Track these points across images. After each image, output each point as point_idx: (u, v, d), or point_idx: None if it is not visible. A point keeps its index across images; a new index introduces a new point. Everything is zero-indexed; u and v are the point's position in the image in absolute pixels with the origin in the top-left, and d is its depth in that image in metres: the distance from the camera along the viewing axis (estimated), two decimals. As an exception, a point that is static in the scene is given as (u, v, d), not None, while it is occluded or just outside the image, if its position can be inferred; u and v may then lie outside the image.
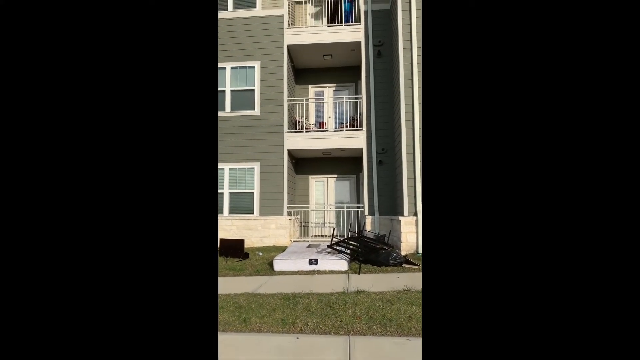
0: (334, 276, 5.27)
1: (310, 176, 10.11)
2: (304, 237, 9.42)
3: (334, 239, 6.51)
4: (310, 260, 5.69)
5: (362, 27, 8.62)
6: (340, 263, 5.66)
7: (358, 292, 4.26)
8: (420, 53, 6.96)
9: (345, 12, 9.30)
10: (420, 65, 6.93)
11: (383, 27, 8.55)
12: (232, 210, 8.52)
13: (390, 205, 8.22)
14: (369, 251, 5.89)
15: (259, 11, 8.81)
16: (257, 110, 8.64)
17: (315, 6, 10.32)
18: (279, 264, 5.76)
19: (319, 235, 9.62)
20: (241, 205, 8.51)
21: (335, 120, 10.05)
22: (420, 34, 6.98)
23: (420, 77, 6.91)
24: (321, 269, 5.63)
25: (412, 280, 4.87)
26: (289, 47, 8.84)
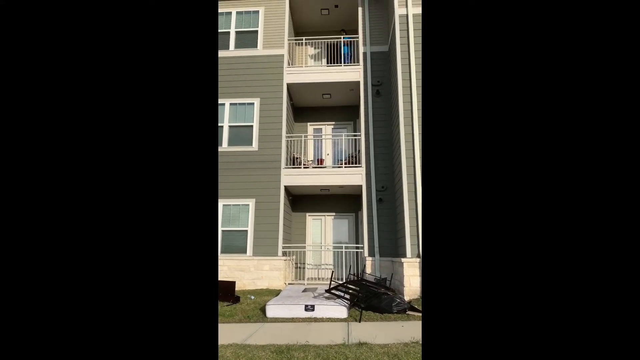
0: (332, 324, 4.77)
1: (308, 214, 9.76)
2: (300, 279, 8.87)
3: (332, 282, 6.05)
4: (306, 306, 5.20)
5: (360, 67, 8.77)
6: (339, 309, 5.17)
7: (360, 344, 3.78)
8: (420, 92, 6.97)
9: (344, 54, 9.53)
10: (420, 103, 6.91)
11: (382, 67, 8.70)
12: (224, 250, 8.07)
13: (391, 246, 7.82)
14: (370, 297, 5.42)
15: (259, 51, 8.99)
16: (254, 145, 8.51)
17: (315, 48, 10.61)
18: (272, 310, 5.26)
19: (315, 278, 9.08)
20: (234, 244, 8.07)
21: (334, 158, 9.92)
22: (420, 74, 7.04)
23: (420, 116, 6.86)
24: (318, 316, 5.13)
25: (418, 330, 4.40)
26: (288, 85, 8.92)
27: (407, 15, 7.32)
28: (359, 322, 4.87)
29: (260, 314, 5.39)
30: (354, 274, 6.98)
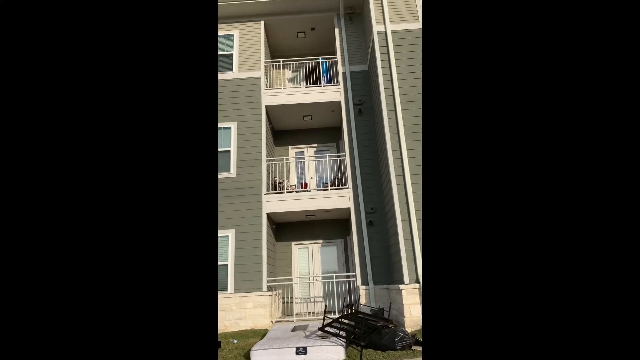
0: (329, 370, 4.08)
1: (293, 243, 9.10)
2: (288, 315, 8.07)
3: (326, 317, 5.36)
4: (297, 349, 4.50)
5: (341, 87, 8.54)
6: (335, 350, 4.49)
7: (366, 395, 3.13)
8: (404, 108, 6.72)
9: (322, 75, 9.32)
10: (404, 120, 6.63)
11: (362, 86, 8.50)
12: (202, 288, 7.23)
13: (386, 272, 7.24)
14: (369, 332, 4.77)
15: (235, 74, 8.65)
16: (232, 171, 7.93)
17: (293, 71, 10.41)
18: (258, 357, 4.52)
19: (304, 313, 8.30)
20: (213, 280, 7.26)
21: (318, 181, 9.44)
22: (403, 89, 6.82)
23: (405, 132, 6.56)
24: (312, 360, 4.43)
25: (430, 370, 3.78)
26: (267, 107, 8.54)
27: (385, 32, 7.20)
28: (360, 364, 4.20)
29: (244, 362, 4.63)
30: (347, 306, 6.32)
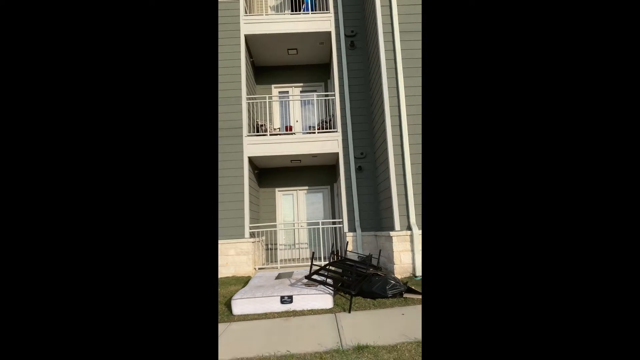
0: (316, 319, 3.82)
1: (277, 189, 8.64)
2: (272, 262, 7.85)
3: (314, 266, 5.05)
4: (282, 297, 4.19)
5: (331, 15, 7.52)
6: (323, 299, 4.22)
7: (359, 348, 2.85)
8: (404, 39, 5.93)
9: (311, 3, 8.18)
10: (403, 53, 5.88)
11: (355, 15, 7.51)
12: (180, 235, 6.79)
13: (374, 219, 6.95)
14: (360, 280, 4.50)
15: (209, -5, 7.43)
16: (209, 110, 7.12)
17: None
18: (240, 305, 4.21)
19: (289, 260, 8.09)
20: (191, 227, 6.81)
21: (304, 125, 8.75)
22: (403, 17, 5.97)
23: (403, 67, 5.85)
24: (298, 309, 4.16)
25: (425, 319, 3.55)
26: (247, 37, 7.51)
27: (386, -55, 6.12)
28: (349, 312, 3.95)
29: (225, 311, 4.33)
30: (334, 252, 6.06)
